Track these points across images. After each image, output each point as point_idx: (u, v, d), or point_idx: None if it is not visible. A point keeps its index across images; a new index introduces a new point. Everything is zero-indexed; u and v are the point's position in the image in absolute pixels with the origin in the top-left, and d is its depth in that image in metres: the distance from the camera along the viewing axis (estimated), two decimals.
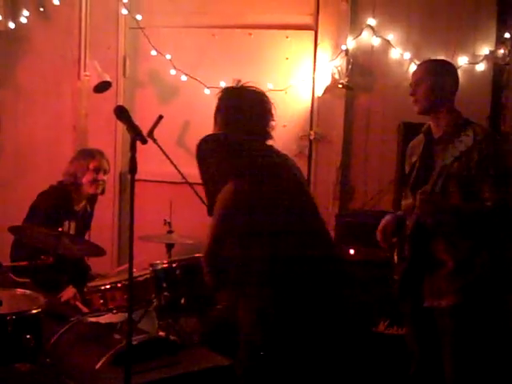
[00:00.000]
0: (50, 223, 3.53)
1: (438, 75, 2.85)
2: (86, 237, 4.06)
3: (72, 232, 3.87)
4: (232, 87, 2.79)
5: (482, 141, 2.70)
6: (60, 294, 3.66)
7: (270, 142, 2.78)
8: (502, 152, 2.81)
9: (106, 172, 3.96)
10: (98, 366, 2.80)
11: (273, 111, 2.78)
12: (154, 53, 4.57)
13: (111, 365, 2.81)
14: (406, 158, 3.08)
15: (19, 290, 3.17)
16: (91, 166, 3.86)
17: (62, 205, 3.83)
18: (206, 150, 2.60)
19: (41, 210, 3.77)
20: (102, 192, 4.00)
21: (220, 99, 2.77)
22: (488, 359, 2.84)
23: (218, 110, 2.76)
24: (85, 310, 3.54)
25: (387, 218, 2.92)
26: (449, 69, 2.93)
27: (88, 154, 3.92)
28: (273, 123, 2.77)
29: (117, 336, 3.06)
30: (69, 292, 3.67)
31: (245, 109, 2.71)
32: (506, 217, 2.73)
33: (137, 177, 2.37)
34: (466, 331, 2.72)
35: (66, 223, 3.82)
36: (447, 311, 2.74)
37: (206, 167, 2.58)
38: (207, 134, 2.70)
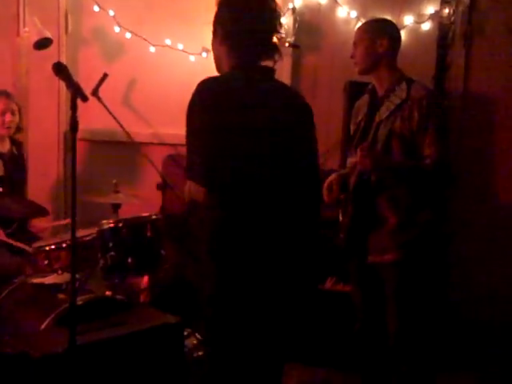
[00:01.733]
0: None
1: (375, 35, 2.87)
2: (26, 190, 4.01)
3: (0, 173, 3.84)
4: None
5: (423, 98, 2.73)
6: None
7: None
8: (442, 110, 2.86)
9: (13, 112, 3.95)
10: (42, 327, 2.77)
11: (279, 15, 2.33)
12: (96, 8, 4.44)
13: (56, 325, 2.78)
14: (352, 117, 3.10)
15: None
16: (8, 105, 3.87)
17: None
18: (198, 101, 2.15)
19: None
20: (17, 132, 4.03)
21: (221, 6, 2.30)
22: (429, 313, 2.93)
23: (218, 19, 2.29)
24: (13, 242, 3.55)
25: (332, 175, 2.95)
26: (386, 28, 2.94)
27: (4, 95, 3.89)
28: (279, 29, 2.35)
29: (62, 296, 3.02)
30: None
31: (250, 17, 2.24)
32: (444, 174, 2.79)
33: (82, 136, 2.33)
34: (408, 286, 2.79)
35: None
36: (390, 266, 2.80)
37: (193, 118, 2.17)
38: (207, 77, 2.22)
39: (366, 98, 3.01)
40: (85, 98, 2.28)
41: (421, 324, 2.85)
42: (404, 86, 2.76)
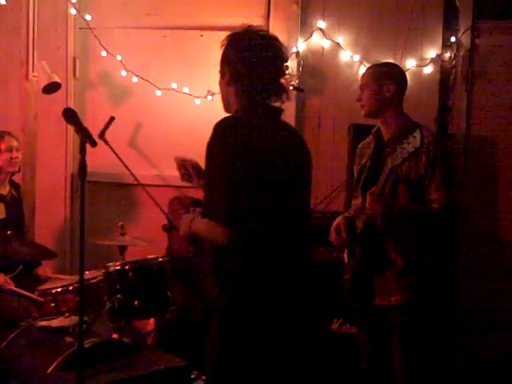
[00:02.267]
0: None
1: (382, 80, 2.91)
2: (28, 234, 4.04)
3: (2, 216, 3.89)
4: (240, 32, 2.31)
5: (430, 143, 2.77)
6: None
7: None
8: (448, 155, 2.89)
9: (18, 149, 4.03)
10: (49, 370, 2.77)
11: (286, 57, 2.32)
12: (104, 53, 4.53)
13: (63, 369, 2.77)
14: (355, 159, 3.13)
15: None
16: (3, 146, 3.93)
17: None
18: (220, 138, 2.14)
19: None
20: (19, 170, 4.10)
21: (227, 47, 2.29)
22: (435, 354, 2.93)
23: (227, 61, 2.27)
24: (22, 292, 3.52)
25: (339, 218, 2.97)
26: (393, 73, 2.99)
27: None
28: (286, 72, 2.33)
29: (69, 339, 3.01)
30: (0, 279, 3.63)
31: (258, 59, 2.23)
32: (452, 218, 2.81)
33: (88, 178, 2.36)
34: (413, 327, 2.79)
35: None
36: (396, 308, 2.81)
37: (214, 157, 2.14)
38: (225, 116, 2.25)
39: (370, 140, 3.04)
40: (94, 143, 2.33)
41: (427, 365, 2.84)
42: (418, 133, 2.79)
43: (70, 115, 2.36)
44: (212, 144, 2.13)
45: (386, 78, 2.92)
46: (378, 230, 2.80)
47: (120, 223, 3.72)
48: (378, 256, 2.83)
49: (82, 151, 2.28)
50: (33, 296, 3.47)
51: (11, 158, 3.93)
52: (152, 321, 3.86)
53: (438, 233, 2.86)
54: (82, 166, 2.27)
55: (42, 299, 3.37)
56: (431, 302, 2.83)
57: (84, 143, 2.28)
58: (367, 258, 2.85)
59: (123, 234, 3.74)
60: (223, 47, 2.31)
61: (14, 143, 3.99)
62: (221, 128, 2.13)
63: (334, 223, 2.94)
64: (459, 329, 4.17)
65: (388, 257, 2.81)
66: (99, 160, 4.10)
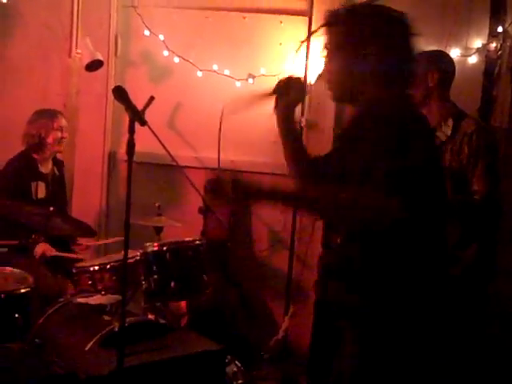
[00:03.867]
0: (16, 186, 3.72)
1: (426, 68, 2.88)
2: (69, 211, 4.09)
3: (42, 195, 3.93)
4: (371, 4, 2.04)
5: (473, 133, 2.72)
6: (34, 252, 3.65)
7: None
8: (493, 145, 2.84)
9: (66, 130, 4.08)
10: (87, 347, 2.79)
11: None
12: (146, 33, 4.52)
13: (101, 346, 2.80)
14: None
15: (8, 269, 3.15)
16: (55, 125, 3.96)
17: (25, 167, 3.91)
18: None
19: (6, 176, 3.87)
20: (63, 150, 4.14)
21: (370, 19, 1.97)
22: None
23: (373, 34, 1.94)
24: (66, 255, 3.58)
25: None
26: (438, 61, 2.96)
27: (49, 114, 4.00)
28: None
29: (106, 318, 3.04)
30: (41, 246, 3.67)
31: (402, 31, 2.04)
32: (493, 211, 2.77)
33: (125, 158, 2.36)
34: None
35: (34, 185, 3.90)
36: None
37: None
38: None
39: None
40: (143, 122, 2.32)
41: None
42: (450, 122, 2.74)
43: (121, 93, 2.36)
44: (379, 120, 1.83)
45: (430, 66, 2.88)
46: None
47: (157, 204, 3.73)
48: None
49: (131, 130, 2.28)
50: (74, 256, 3.52)
51: (61, 138, 3.96)
52: (184, 303, 3.88)
53: (478, 226, 2.82)
54: (131, 144, 2.27)
55: (81, 258, 3.41)
56: (467, 300, 2.79)
57: (133, 122, 2.28)
58: None
59: (160, 215, 3.75)
60: (355, 21, 1.96)
61: (64, 123, 4.04)
62: (388, 108, 1.88)
63: None
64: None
65: None
66: (137, 140, 4.10)
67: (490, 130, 3.00)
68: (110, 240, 3.92)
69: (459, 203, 2.76)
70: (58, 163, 4.16)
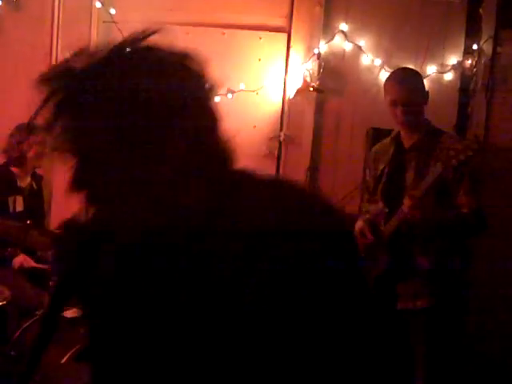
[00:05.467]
0: None
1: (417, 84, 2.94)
2: (48, 225, 4.08)
3: (20, 208, 3.91)
4: None
5: (458, 149, 2.77)
6: (13, 262, 3.65)
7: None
8: (475, 160, 2.89)
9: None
10: (62, 361, 2.80)
11: None
12: None
13: (76, 360, 2.80)
14: (369, 163, 3.13)
15: None
16: (36, 139, 3.91)
17: (3, 181, 3.89)
18: None
19: None
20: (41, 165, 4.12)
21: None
22: (458, 360, 2.93)
23: None
24: (44, 267, 3.59)
25: (360, 221, 2.96)
26: (420, 78, 3.01)
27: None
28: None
29: (82, 330, 3.04)
30: (19, 258, 3.67)
31: None
32: (481, 223, 2.81)
33: None
34: (437, 331, 2.80)
35: (11, 199, 3.88)
36: (421, 312, 2.82)
37: None
38: None
39: (387, 144, 3.03)
40: None
41: (449, 373, 2.85)
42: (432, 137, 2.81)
43: None
44: None
45: (419, 80, 2.95)
46: (408, 234, 2.79)
47: None
48: (404, 260, 2.83)
49: None
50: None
51: (42, 153, 3.95)
52: None
53: (464, 237, 2.87)
54: None
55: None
56: (455, 308, 2.84)
57: None
58: (396, 263, 2.85)
59: None
60: None
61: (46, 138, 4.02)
62: None
63: (356, 227, 2.94)
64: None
65: (415, 261, 2.81)
66: None
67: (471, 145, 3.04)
68: None
69: (454, 218, 2.80)
70: (36, 177, 4.15)
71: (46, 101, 1.11)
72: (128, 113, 1.07)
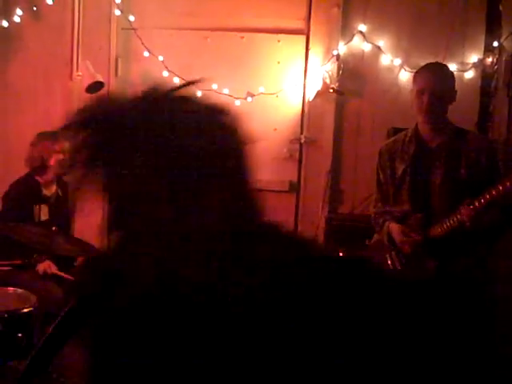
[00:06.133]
0: (18, 209, 3.70)
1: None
2: (73, 232, 4.11)
3: (45, 217, 3.92)
4: None
5: (487, 147, 2.78)
6: (36, 268, 3.68)
7: None
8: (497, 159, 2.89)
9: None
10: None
11: None
12: (146, 54, 4.59)
13: None
14: (383, 163, 3.07)
15: (11, 289, 3.18)
16: (57, 147, 3.93)
17: (28, 190, 3.90)
18: None
19: (9, 199, 3.87)
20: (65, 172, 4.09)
21: None
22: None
23: None
24: (65, 276, 3.61)
25: (395, 225, 2.93)
26: (452, 74, 3.00)
27: (51, 136, 3.98)
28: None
29: None
30: (44, 264, 3.70)
31: None
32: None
33: None
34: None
35: (36, 208, 3.89)
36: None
37: None
38: None
39: (403, 142, 2.98)
40: None
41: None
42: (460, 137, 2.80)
43: None
44: None
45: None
46: (456, 238, 2.76)
47: None
48: (452, 263, 2.80)
49: None
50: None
51: (63, 160, 3.96)
52: None
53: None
54: None
55: None
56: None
57: None
58: (443, 266, 2.81)
59: None
60: None
61: (67, 145, 4.03)
62: None
63: (396, 233, 2.92)
64: None
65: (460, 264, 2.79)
66: None
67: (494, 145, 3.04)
68: None
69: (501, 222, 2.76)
70: (62, 185, 4.17)
71: (84, 142, 1.18)
72: (171, 165, 1.11)
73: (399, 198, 2.97)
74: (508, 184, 2.50)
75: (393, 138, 3.09)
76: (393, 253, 2.92)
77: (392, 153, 3.02)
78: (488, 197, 2.58)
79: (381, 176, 3.06)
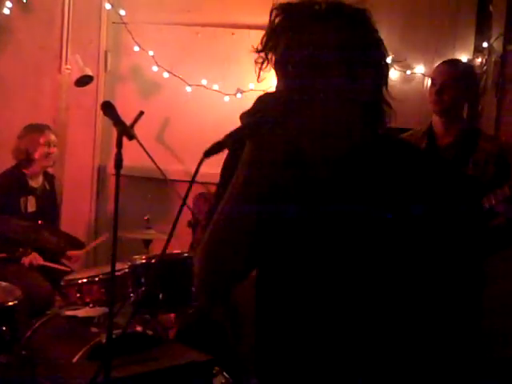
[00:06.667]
0: (4, 201, 3.74)
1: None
2: (61, 225, 4.11)
3: (32, 209, 3.93)
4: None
5: (493, 157, 2.77)
6: (22, 261, 3.68)
7: None
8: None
9: (55, 144, 4.08)
10: (75, 360, 2.79)
11: None
12: (136, 48, 4.57)
13: (88, 358, 2.80)
14: None
15: None
16: (42, 140, 3.96)
17: (14, 182, 3.93)
18: None
19: None
20: (53, 164, 4.14)
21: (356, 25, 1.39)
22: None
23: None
24: (52, 265, 3.61)
25: None
26: (472, 72, 3.01)
27: (37, 129, 4.01)
28: None
29: (94, 330, 3.04)
30: (29, 256, 3.69)
31: None
32: None
33: (114, 172, 2.39)
34: None
35: (23, 199, 3.91)
36: None
37: None
38: None
39: (418, 140, 2.94)
40: (131, 137, 2.35)
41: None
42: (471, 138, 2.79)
43: (109, 108, 2.40)
44: None
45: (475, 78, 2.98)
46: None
47: (146, 217, 3.75)
48: None
49: (119, 145, 2.31)
50: (62, 268, 3.53)
51: (48, 153, 3.98)
52: (173, 315, 3.89)
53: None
54: (119, 159, 2.30)
55: (69, 269, 3.42)
56: None
57: (121, 137, 2.31)
58: None
59: (149, 228, 3.77)
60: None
61: (52, 138, 4.06)
62: None
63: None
64: None
65: None
66: (126, 154, 4.13)
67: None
68: (98, 240, 3.94)
69: None
70: (48, 177, 4.18)
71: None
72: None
73: None
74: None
75: (411, 132, 3.07)
76: None
77: None
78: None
79: None
